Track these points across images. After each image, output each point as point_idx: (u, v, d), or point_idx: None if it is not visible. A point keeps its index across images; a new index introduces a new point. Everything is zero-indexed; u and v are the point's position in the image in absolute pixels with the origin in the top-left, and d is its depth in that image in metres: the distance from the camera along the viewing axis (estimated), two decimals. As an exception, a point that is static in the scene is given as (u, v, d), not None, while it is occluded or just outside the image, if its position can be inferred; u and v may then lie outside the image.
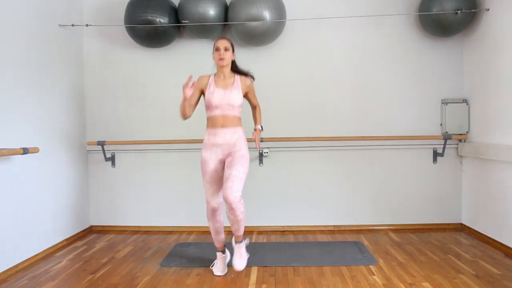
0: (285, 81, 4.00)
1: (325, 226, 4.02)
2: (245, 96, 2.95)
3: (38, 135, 3.31)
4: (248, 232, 3.87)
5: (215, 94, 2.82)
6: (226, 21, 3.75)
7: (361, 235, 3.81)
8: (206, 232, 3.92)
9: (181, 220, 4.08)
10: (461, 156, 3.94)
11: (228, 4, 3.78)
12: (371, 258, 3.12)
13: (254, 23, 3.64)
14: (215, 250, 3.02)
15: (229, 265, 2.95)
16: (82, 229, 3.97)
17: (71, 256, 3.33)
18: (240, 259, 2.81)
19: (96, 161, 4.11)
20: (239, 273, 2.88)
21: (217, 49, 2.84)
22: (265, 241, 3.69)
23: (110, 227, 4.12)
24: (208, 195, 2.87)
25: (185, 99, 2.75)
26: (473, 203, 3.78)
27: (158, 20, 3.66)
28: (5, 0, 2.99)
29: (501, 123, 3.33)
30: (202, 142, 2.93)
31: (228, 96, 2.82)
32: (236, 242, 2.89)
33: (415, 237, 3.70)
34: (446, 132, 3.87)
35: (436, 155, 3.94)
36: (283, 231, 3.99)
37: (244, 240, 2.93)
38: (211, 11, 3.66)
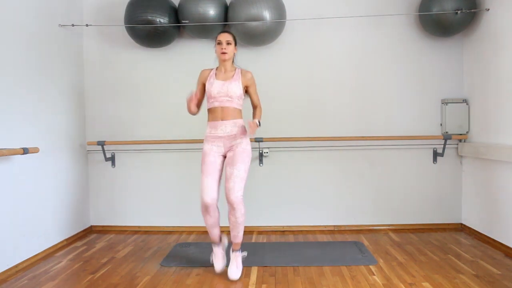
0: (285, 81, 4.00)
1: (325, 226, 4.02)
2: (246, 91, 2.93)
3: (38, 135, 3.31)
4: (248, 232, 3.87)
5: (214, 85, 2.83)
6: (226, 21, 3.75)
7: (361, 235, 3.81)
8: (206, 232, 3.88)
9: (181, 220, 4.07)
10: (461, 156, 3.94)
11: (228, 4, 3.78)
12: (371, 258, 3.12)
13: (254, 23, 3.64)
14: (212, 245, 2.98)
15: (226, 265, 2.93)
16: (82, 229, 3.97)
17: (71, 256, 3.33)
18: (236, 269, 2.80)
19: (96, 161, 4.11)
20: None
21: (219, 43, 2.83)
22: (265, 241, 3.69)
23: (110, 227, 4.12)
24: (203, 188, 2.78)
25: (189, 106, 2.87)
26: (473, 203, 3.78)
27: (158, 20, 3.65)
28: (5, 0, 2.99)
29: (501, 123, 3.33)
30: (202, 142, 2.93)
31: (226, 87, 2.81)
32: (233, 250, 2.87)
33: (415, 237, 3.70)
34: (446, 132, 3.87)
35: (436, 155, 3.94)
36: (283, 231, 3.99)
37: (242, 252, 2.91)
38: (211, 11, 3.66)
